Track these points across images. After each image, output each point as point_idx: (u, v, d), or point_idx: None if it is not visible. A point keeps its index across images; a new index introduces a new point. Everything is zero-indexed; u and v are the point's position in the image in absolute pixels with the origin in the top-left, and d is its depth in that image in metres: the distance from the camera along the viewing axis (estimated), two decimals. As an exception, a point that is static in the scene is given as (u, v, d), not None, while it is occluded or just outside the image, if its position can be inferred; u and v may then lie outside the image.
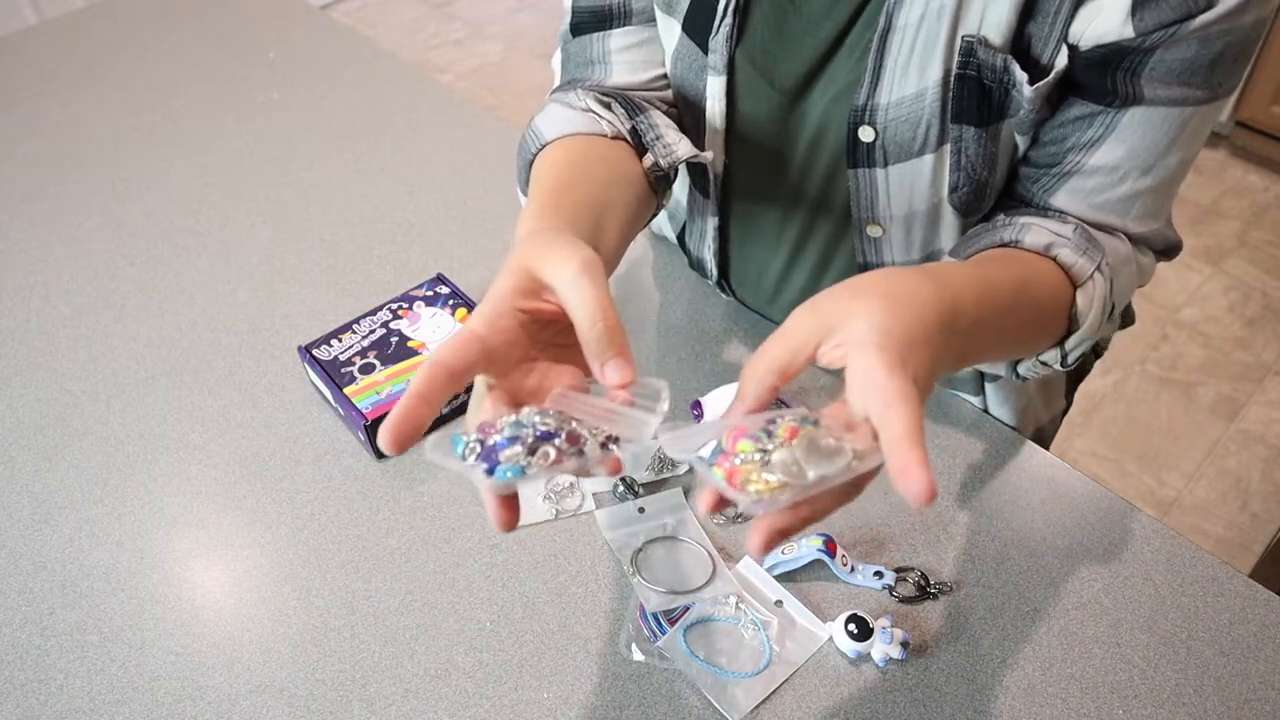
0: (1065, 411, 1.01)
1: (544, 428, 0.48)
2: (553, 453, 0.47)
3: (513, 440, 0.47)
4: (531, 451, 0.47)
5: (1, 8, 2.64)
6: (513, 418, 0.48)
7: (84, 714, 0.68)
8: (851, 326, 0.47)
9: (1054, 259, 0.66)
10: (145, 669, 0.71)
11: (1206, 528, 1.83)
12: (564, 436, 0.48)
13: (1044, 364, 0.71)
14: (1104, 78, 0.63)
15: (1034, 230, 0.67)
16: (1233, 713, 0.66)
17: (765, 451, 0.46)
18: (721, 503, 0.47)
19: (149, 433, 0.87)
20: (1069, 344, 0.69)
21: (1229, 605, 0.72)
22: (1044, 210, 0.70)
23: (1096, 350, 0.89)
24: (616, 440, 0.49)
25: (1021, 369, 0.73)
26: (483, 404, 0.52)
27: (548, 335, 0.54)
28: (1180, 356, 2.15)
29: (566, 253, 0.51)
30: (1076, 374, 0.98)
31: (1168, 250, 0.76)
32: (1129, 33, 0.59)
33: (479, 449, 0.48)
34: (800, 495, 0.45)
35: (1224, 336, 2.19)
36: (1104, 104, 0.64)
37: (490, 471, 0.47)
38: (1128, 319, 0.85)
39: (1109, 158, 0.66)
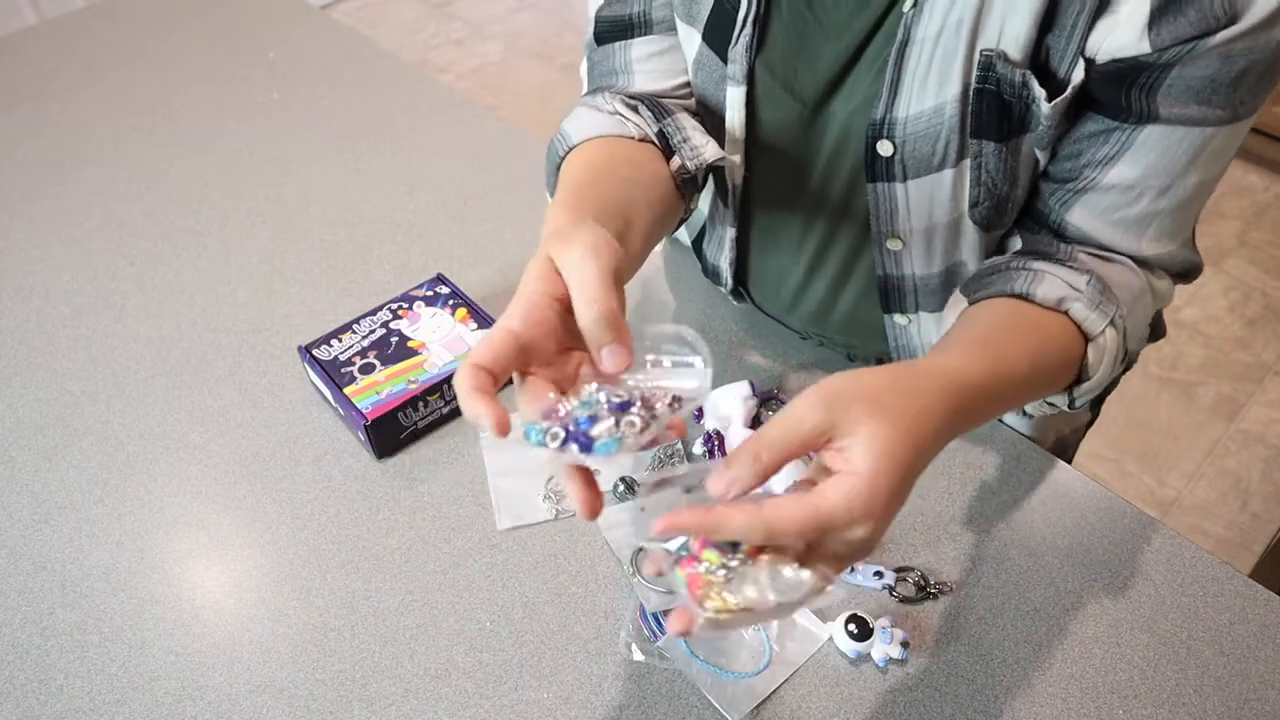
0: (1090, 423, 0.99)
1: (617, 399, 0.48)
2: (638, 421, 0.47)
3: (593, 418, 0.47)
4: (617, 423, 0.47)
5: (1, 8, 2.64)
6: (574, 400, 0.49)
7: (84, 714, 0.68)
8: (857, 448, 0.47)
9: (1065, 312, 0.65)
10: (145, 669, 0.71)
11: (1206, 528, 1.83)
12: (640, 403, 0.48)
13: (1051, 405, 0.71)
14: (1119, 93, 0.61)
15: (1047, 281, 0.65)
16: (1233, 713, 0.66)
17: (728, 568, 0.47)
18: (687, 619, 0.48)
19: (149, 433, 0.87)
20: (1077, 391, 0.68)
21: (1229, 605, 0.72)
22: (1060, 228, 0.69)
23: (1128, 363, 0.87)
24: (680, 400, 0.49)
25: (1028, 407, 0.73)
26: (527, 390, 0.51)
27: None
28: (1180, 356, 2.15)
29: (576, 236, 0.51)
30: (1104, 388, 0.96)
31: (1186, 273, 0.73)
32: (1145, 48, 0.57)
33: (563, 434, 0.47)
34: (756, 621, 0.46)
35: (1224, 336, 2.19)
36: (1120, 120, 0.62)
37: (587, 448, 0.47)
38: (1158, 332, 0.83)
39: (1124, 175, 0.64)
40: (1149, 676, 0.68)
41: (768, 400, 0.86)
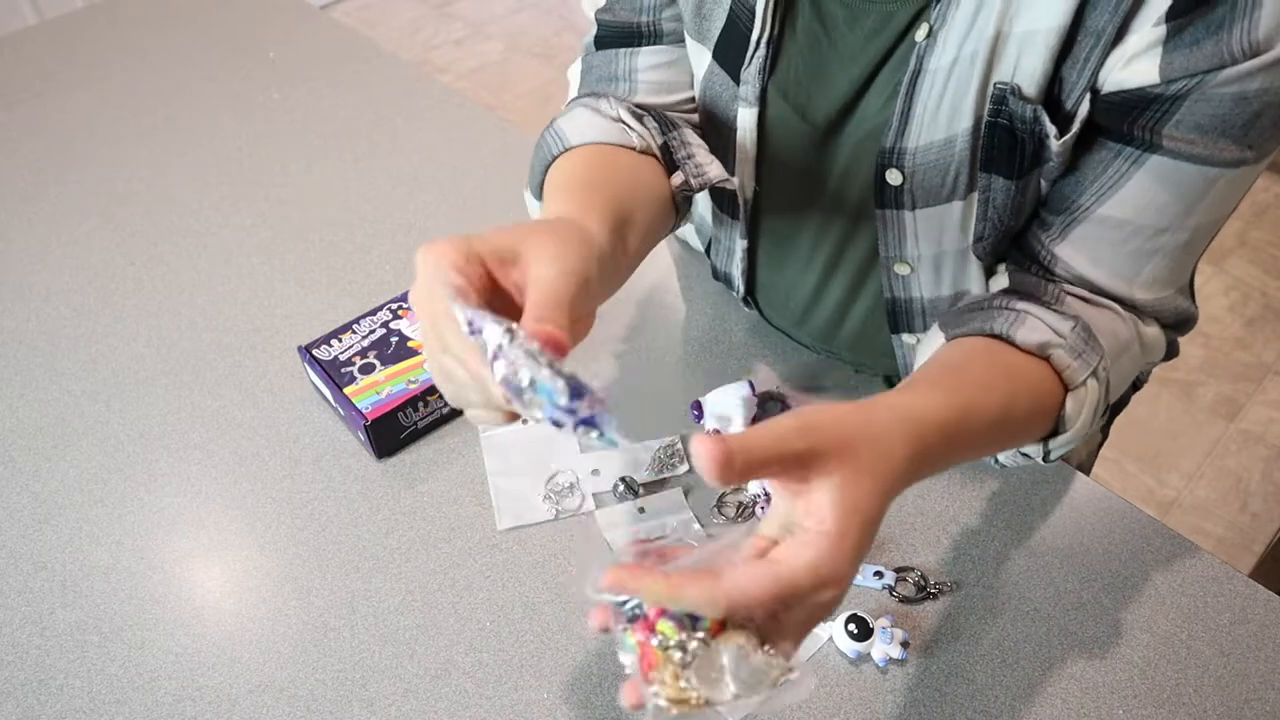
0: (1101, 444, 0.98)
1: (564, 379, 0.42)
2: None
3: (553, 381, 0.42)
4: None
5: (1, 8, 2.64)
6: (516, 364, 0.43)
7: (84, 714, 0.68)
8: (825, 499, 0.44)
9: (1047, 359, 0.61)
10: (145, 669, 0.71)
11: (1206, 528, 1.83)
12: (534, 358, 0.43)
13: (1025, 455, 0.67)
14: (1122, 124, 0.59)
15: (1029, 324, 0.62)
16: (1233, 713, 0.66)
17: (685, 649, 0.41)
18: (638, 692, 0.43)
19: (149, 433, 0.87)
20: (1053, 444, 0.64)
21: (1229, 605, 0.72)
22: (1049, 263, 0.67)
23: (1136, 384, 0.86)
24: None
25: (1001, 457, 0.69)
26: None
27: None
28: (1180, 356, 2.13)
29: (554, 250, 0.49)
30: (1115, 406, 0.93)
31: (1179, 324, 0.70)
32: (1154, 78, 0.55)
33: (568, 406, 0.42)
34: (707, 713, 0.41)
35: (1224, 336, 2.19)
36: (1120, 150, 0.60)
37: (592, 424, 0.42)
38: (1171, 351, 0.81)
39: (1119, 210, 0.62)
40: (1149, 676, 0.68)
41: (767, 401, 0.86)
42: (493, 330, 0.43)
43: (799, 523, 0.44)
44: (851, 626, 0.69)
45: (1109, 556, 0.75)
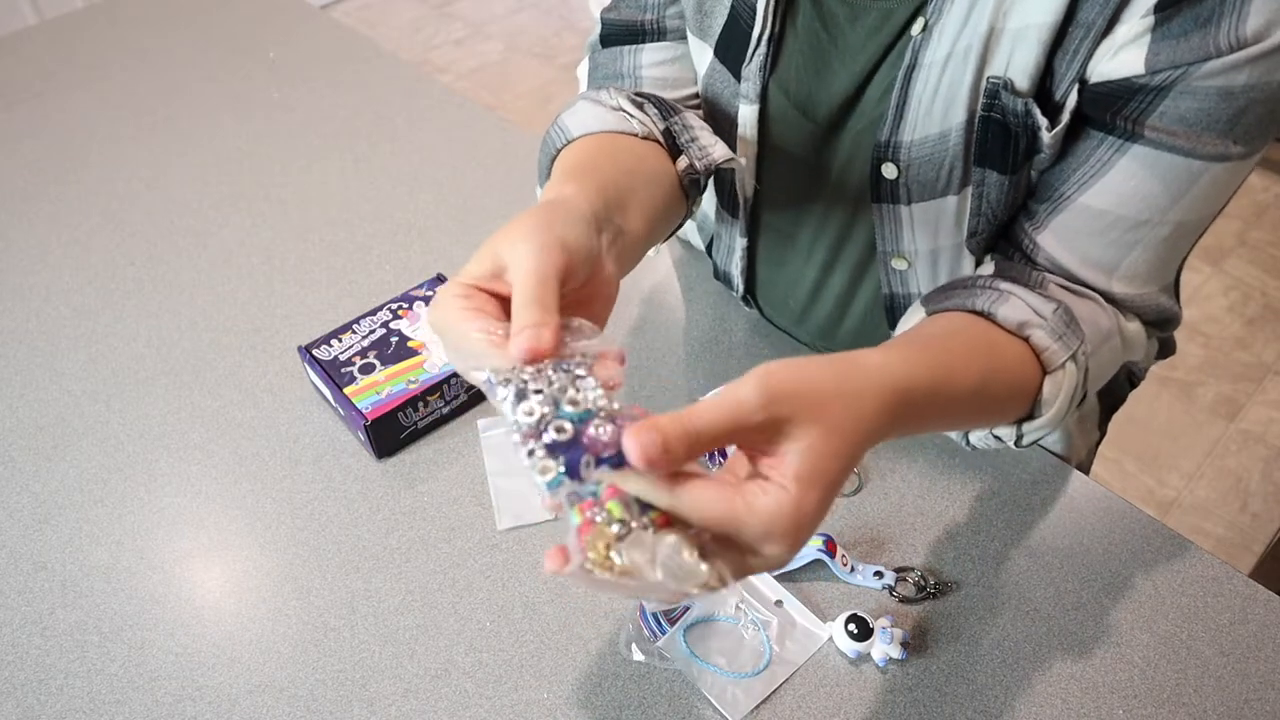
0: (1098, 442, 0.98)
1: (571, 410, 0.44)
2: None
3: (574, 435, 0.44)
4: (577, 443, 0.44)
5: (1, 8, 2.64)
6: (537, 412, 0.45)
7: (84, 714, 0.68)
8: (792, 457, 0.43)
9: (1026, 339, 0.61)
10: (145, 669, 0.71)
11: (1206, 528, 1.83)
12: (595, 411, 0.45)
13: (997, 438, 0.66)
14: (1105, 114, 0.59)
15: (1011, 303, 0.61)
16: (1233, 713, 0.66)
17: (627, 526, 0.42)
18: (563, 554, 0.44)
19: (149, 433, 0.87)
20: (1026, 428, 0.63)
21: (1229, 605, 0.72)
22: (1031, 252, 0.67)
23: (1132, 380, 0.86)
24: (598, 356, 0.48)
25: (973, 439, 0.68)
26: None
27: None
28: (1180, 356, 2.15)
29: (529, 237, 0.50)
30: (1111, 404, 0.93)
31: (1162, 322, 0.70)
32: (1139, 69, 0.56)
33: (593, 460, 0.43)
34: (631, 591, 0.42)
35: (1224, 336, 2.19)
36: (1104, 140, 0.60)
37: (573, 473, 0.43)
38: (1167, 349, 0.81)
39: (1099, 199, 0.62)
40: (1149, 676, 0.68)
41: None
42: (503, 408, 0.46)
43: (763, 472, 0.44)
44: (851, 626, 0.69)
45: (1109, 556, 0.75)
